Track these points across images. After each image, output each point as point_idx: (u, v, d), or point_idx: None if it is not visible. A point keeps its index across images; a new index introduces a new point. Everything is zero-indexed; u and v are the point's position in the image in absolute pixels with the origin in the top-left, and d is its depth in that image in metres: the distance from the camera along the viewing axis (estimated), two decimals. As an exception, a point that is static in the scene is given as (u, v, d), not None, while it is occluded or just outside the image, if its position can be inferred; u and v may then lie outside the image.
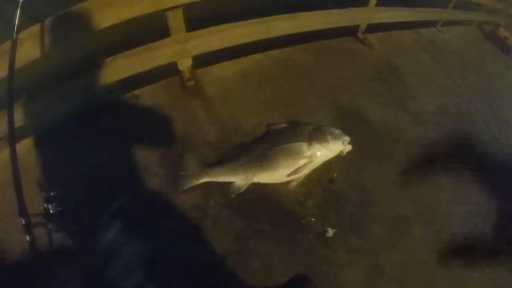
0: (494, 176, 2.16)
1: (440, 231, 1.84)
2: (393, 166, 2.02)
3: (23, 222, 1.24)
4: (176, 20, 1.88)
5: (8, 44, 1.34)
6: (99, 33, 1.79)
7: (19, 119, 1.78)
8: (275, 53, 2.29)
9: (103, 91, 1.99)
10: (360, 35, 2.53)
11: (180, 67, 2.08)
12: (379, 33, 2.64)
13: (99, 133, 1.95)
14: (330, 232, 1.72)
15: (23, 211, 1.25)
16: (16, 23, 1.31)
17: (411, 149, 2.10)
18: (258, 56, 2.25)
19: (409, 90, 2.35)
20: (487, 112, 2.49)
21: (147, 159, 1.86)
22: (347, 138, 1.79)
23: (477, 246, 1.84)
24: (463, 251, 1.79)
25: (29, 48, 1.63)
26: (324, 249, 1.69)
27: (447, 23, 3.07)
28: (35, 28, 1.62)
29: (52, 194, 1.35)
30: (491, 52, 3.32)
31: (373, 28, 2.58)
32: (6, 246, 1.60)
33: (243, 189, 1.72)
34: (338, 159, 1.82)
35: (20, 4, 1.32)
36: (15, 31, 1.30)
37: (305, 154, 1.71)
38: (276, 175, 1.72)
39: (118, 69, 1.95)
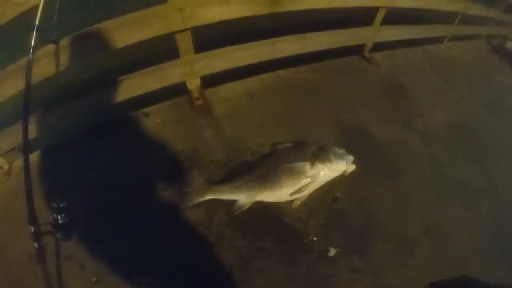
0: (506, 192, 2.13)
1: (447, 252, 1.82)
2: (399, 184, 2.02)
3: (32, 230, 1.28)
4: (184, 42, 1.97)
5: (24, 61, 1.43)
6: (112, 54, 1.89)
7: (33, 130, 1.89)
8: (281, 73, 2.34)
9: (114, 107, 2.08)
10: (366, 53, 2.56)
11: (189, 87, 2.17)
12: (385, 51, 2.66)
13: (109, 148, 2.03)
14: (332, 251, 1.73)
15: (32, 219, 1.29)
16: (32, 44, 1.40)
17: (417, 167, 2.09)
18: (265, 76, 2.31)
19: (415, 107, 2.36)
20: (496, 127, 2.46)
21: (155, 175, 1.92)
22: (350, 158, 1.82)
23: (485, 271, 1.79)
24: (471, 275, 1.77)
25: (44, 65, 1.75)
26: (327, 268, 1.70)
27: (454, 39, 3.06)
28: (50, 47, 1.73)
29: (62, 205, 1.39)
30: (500, 66, 3.28)
31: (379, 46, 2.61)
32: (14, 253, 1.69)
33: (247, 207, 1.75)
34: (342, 178, 1.85)
35: (35, 27, 1.42)
36: (31, 51, 1.39)
37: (308, 174, 1.74)
38: (279, 194, 1.75)
39: (129, 87, 2.05)
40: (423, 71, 2.61)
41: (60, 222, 1.36)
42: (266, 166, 1.80)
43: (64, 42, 1.76)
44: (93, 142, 2.05)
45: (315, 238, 1.77)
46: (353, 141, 2.10)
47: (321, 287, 1.67)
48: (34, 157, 1.98)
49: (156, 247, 1.73)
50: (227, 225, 1.79)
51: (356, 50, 2.56)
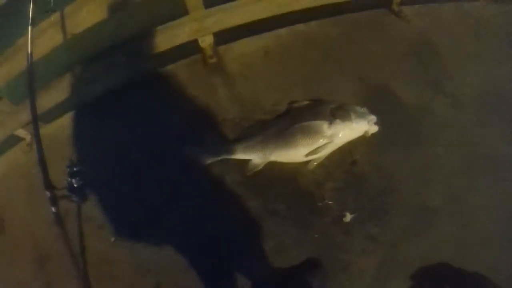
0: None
1: (467, 230, 1.68)
2: (423, 152, 1.85)
3: (48, 195, 1.34)
4: (192, -2, 1.82)
5: (27, 34, 1.38)
6: (118, 17, 1.80)
7: (49, 100, 1.93)
8: (300, 27, 2.15)
9: (126, 72, 2.03)
10: (394, 7, 2.30)
11: (202, 44, 2.03)
12: (416, 6, 2.39)
13: (122, 112, 2.01)
14: (348, 217, 1.65)
15: (48, 184, 1.35)
16: (31, 15, 1.35)
17: (444, 134, 1.92)
18: (282, 31, 2.12)
19: (446, 69, 2.13)
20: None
21: (168, 136, 1.88)
22: (373, 118, 1.68)
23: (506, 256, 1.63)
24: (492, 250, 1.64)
25: (50, 36, 1.70)
26: (340, 234, 1.64)
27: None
28: (54, 17, 1.68)
29: (75, 169, 1.43)
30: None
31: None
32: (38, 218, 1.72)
33: (260, 167, 1.69)
34: (363, 140, 1.72)
35: None
36: (29, 23, 1.35)
37: (325, 134, 1.63)
38: (293, 154, 1.66)
39: (140, 49, 1.97)
40: (457, 31, 2.33)
41: (75, 185, 1.41)
42: (281, 125, 1.70)
43: (65, 11, 1.69)
44: (107, 107, 2.01)
45: (330, 202, 1.68)
46: (376, 101, 1.92)
47: (333, 254, 1.61)
48: (52, 126, 2.03)
49: (169, 207, 1.74)
50: (239, 185, 1.74)
51: (384, 3, 2.31)
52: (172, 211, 1.72)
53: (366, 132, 1.69)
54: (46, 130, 1.97)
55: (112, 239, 1.70)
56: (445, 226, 1.69)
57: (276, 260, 1.60)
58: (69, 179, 1.41)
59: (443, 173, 1.82)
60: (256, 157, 1.68)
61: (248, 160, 1.71)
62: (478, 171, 1.83)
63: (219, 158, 1.72)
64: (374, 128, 1.69)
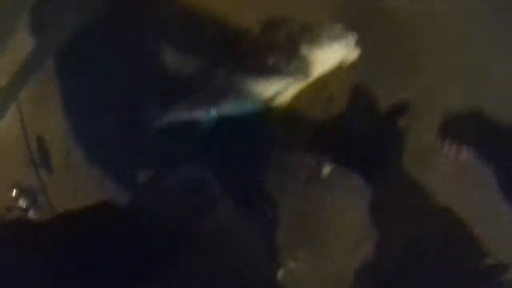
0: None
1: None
2: (421, 76, 1.38)
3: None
4: None
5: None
6: None
7: None
8: None
9: None
10: None
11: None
12: None
13: None
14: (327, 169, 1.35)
15: None
16: None
17: (446, 51, 1.38)
18: None
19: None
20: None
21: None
22: (352, 37, 1.24)
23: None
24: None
25: None
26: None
27: None
28: None
29: (14, 193, 1.44)
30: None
31: None
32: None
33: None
34: (340, 71, 1.29)
35: None
36: None
37: (285, 70, 1.22)
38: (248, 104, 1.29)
39: None
40: None
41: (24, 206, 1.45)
42: (228, 68, 1.30)
43: None
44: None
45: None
46: (357, 13, 1.39)
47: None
48: None
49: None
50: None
51: None
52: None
53: (344, 58, 1.26)
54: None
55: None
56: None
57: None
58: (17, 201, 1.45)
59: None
60: (203, 115, 1.32)
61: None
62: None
63: (163, 122, 1.37)
64: (354, 52, 1.26)
